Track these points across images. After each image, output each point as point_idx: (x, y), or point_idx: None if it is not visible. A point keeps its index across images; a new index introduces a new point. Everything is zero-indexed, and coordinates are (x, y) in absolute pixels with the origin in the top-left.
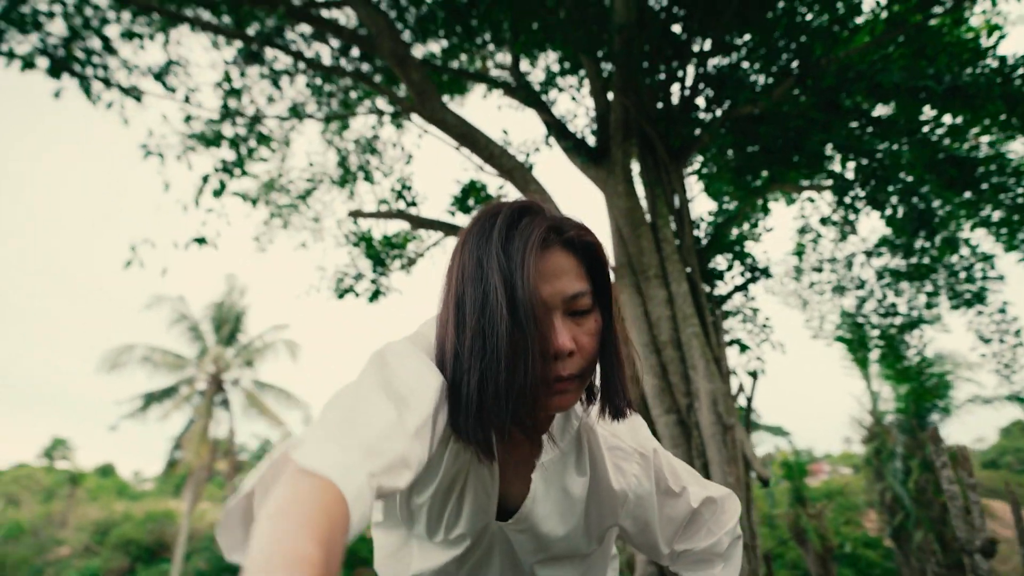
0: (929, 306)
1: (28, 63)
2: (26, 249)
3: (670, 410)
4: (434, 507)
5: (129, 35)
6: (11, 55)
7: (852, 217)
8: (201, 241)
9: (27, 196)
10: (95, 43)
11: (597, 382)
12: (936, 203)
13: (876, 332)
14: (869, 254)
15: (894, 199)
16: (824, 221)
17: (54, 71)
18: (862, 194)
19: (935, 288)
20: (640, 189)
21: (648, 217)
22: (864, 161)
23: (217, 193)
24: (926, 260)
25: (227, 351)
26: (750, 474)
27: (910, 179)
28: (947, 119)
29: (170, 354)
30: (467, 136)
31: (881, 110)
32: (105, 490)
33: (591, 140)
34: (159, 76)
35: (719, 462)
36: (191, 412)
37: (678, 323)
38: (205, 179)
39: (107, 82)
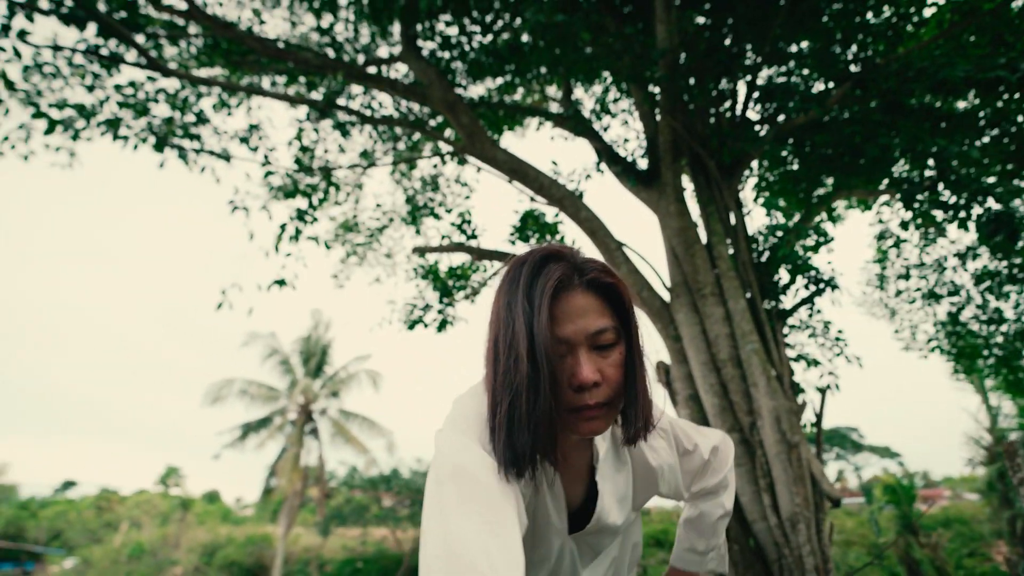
0: None
1: (141, 140)
2: (143, 299)
3: (732, 428)
4: None
5: (220, 105)
6: (126, 138)
7: (939, 219)
8: (281, 283)
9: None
10: (190, 117)
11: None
12: (1016, 202)
13: (980, 341)
14: (962, 257)
15: (963, 200)
16: (904, 225)
17: (158, 146)
18: (942, 198)
19: None
20: (694, 208)
21: (703, 235)
22: (933, 162)
23: (294, 239)
24: None
25: (315, 382)
26: (819, 494)
27: (992, 179)
28: None
29: (264, 387)
30: (517, 170)
31: (958, 105)
32: (211, 515)
33: (642, 163)
34: (244, 139)
35: (784, 481)
36: (284, 441)
37: (737, 340)
38: (283, 227)
39: (200, 150)
